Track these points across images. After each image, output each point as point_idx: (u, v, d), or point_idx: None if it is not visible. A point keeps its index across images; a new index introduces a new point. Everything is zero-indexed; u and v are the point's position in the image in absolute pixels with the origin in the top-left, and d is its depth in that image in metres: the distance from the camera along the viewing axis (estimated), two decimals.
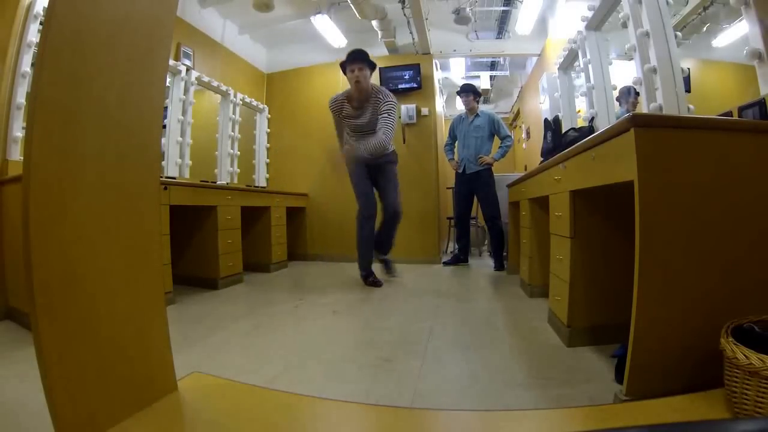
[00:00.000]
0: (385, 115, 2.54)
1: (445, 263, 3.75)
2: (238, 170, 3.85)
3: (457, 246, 3.90)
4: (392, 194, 2.73)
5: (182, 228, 2.67)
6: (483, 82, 5.65)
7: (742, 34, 1.58)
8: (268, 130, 4.40)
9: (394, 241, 2.85)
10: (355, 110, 2.64)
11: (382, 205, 2.75)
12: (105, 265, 0.92)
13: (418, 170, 3.92)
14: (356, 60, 2.52)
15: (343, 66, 2.60)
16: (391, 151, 2.75)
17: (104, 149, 0.93)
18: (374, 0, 3.41)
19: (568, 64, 3.06)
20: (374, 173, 2.73)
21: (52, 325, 0.80)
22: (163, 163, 2.98)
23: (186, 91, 3.19)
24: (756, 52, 1.32)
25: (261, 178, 4.26)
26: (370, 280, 2.72)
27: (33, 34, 2.17)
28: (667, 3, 1.76)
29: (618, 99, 2.50)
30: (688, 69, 1.81)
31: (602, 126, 2.17)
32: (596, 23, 2.46)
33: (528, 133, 4.98)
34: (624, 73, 2.42)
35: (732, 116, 1.45)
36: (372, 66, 2.60)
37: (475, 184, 3.52)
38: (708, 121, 1.07)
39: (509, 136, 3.52)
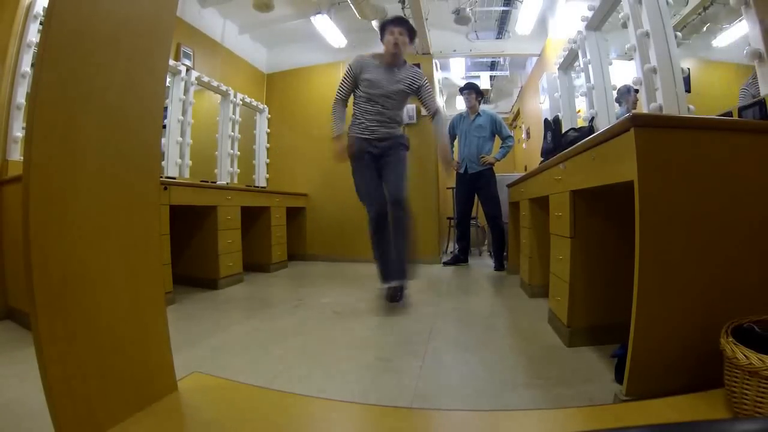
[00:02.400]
0: (429, 90, 2.32)
1: (445, 263, 3.75)
2: (238, 170, 3.85)
3: (457, 246, 3.90)
4: (395, 181, 2.22)
5: (182, 228, 2.67)
6: (483, 82, 5.65)
7: (742, 34, 1.58)
8: (268, 130, 4.40)
9: (409, 256, 2.21)
10: (385, 69, 2.25)
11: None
12: (105, 265, 0.92)
13: (418, 170, 3.91)
14: (400, 24, 2.26)
15: (383, 28, 2.29)
16: (401, 134, 2.35)
17: (104, 149, 0.93)
18: (374, 0, 3.41)
19: (568, 64, 3.06)
20: (380, 162, 2.27)
21: (52, 325, 0.80)
22: (163, 163, 2.98)
23: (186, 91, 3.19)
24: (756, 53, 1.32)
25: (261, 178, 4.26)
26: (394, 300, 2.18)
27: (33, 34, 2.16)
28: (667, 3, 1.76)
29: (617, 99, 2.50)
30: (688, 69, 1.81)
31: (602, 126, 2.17)
32: (596, 23, 2.46)
33: (528, 133, 4.98)
34: (624, 73, 2.42)
35: (732, 116, 1.45)
36: (412, 37, 2.32)
37: (477, 184, 3.52)
38: (708, 121, 1.07)
39: (510, 137, 3.53)
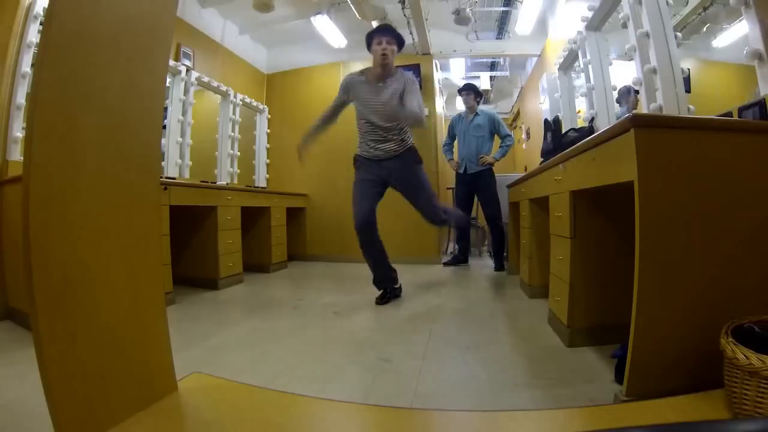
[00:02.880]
0: (412, 92, 2.21)
1: (445, 264, 3.75)
2: (238, 171, 3.85)
3: (457, 246, 3.90)
4: (425, 202, 2.29)
5: (182, 228, 2.67)
6: (483, 82, 5.65)
7: (742, 34, 1.58)
8: (268, 130, 4.40)
9: (446, 216, 2.47)
10: (372, 86, 2.23)
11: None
12: (105, 265, 0.92)
13: None
14: (387, 33, 2.22)
15: (369, 38, 2.26)
16: (410, 146, 2.32)
17: (104, 149, 0.93)
18: (374, 0, 3.41)
19: (568, 64, 3.06)
20: (392, 181, 2.31)
21: (52, 325, 0.80)
22: (163, 163, 2.98)
23: (186, 91, 3.19)
24: (756, 53, 1.32)
25: (261, 179, 4.26)
26: (383, 300, 2.30)
27: (33, 35, 2.16)
28: (667, 3, 1.76)
29: (618, 100, 2.50)
30: (688, 69, 1.81)
31: (602, 126, 2.17)
32: (596, 23, 2.46)
33: (528, 134, 4.98)
34: (624, 73, 2.42)
35: (732, 116, 1.45)
36: (401, 45, 2.28)
37: (476, 185, 3.52)
38: (708, 122, 1.07)
39: (510, 135, 3.51)
